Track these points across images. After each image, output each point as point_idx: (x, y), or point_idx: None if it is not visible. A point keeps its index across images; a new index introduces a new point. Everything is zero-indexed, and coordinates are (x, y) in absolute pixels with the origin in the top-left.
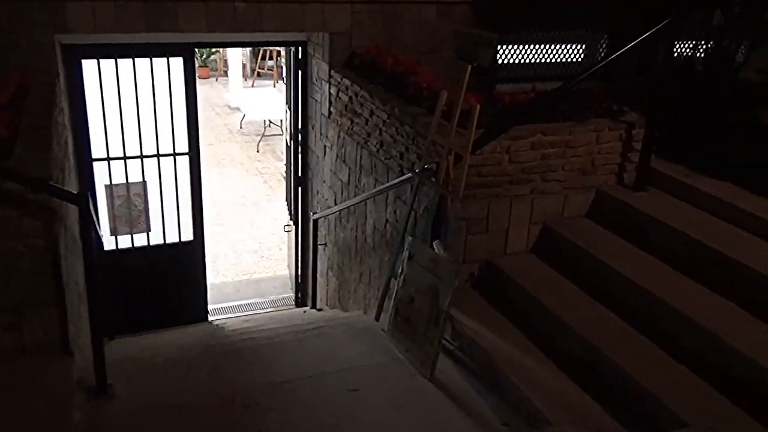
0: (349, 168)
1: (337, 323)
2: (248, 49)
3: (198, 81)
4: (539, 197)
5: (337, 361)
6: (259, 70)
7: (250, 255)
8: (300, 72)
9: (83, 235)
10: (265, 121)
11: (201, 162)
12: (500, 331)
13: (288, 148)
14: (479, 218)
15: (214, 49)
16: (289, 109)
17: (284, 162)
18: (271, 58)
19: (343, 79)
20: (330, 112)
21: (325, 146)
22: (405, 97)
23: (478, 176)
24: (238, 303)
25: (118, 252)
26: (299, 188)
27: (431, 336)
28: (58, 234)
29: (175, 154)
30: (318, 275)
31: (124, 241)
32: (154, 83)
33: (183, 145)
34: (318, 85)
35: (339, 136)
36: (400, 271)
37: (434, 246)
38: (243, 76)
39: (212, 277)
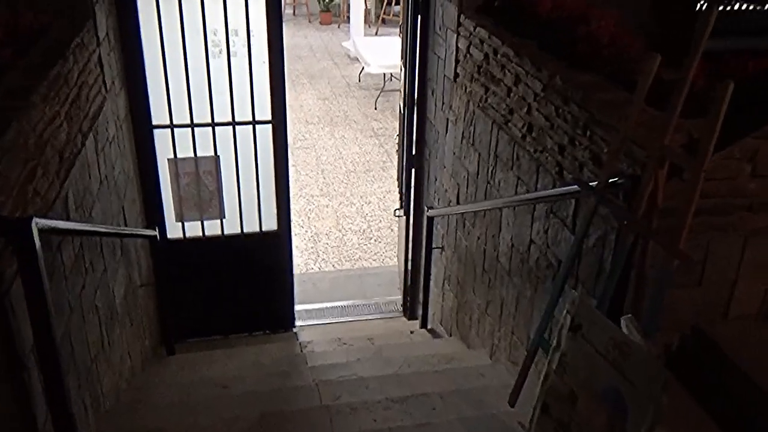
0: (480, 155)
1: (453, 400)
2: None
3: (318, 27)
4: None
5: None
6: (384, 16)
7: (356, 236)
8: (419, 17)
9: (26, 290)
10: (385, 74)
11: (288, 132)
12: None
13: (401, 116)
14: (689, 262)
15: None
16: (405, 66)
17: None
18: (398, 3)
19: (478, 29)
20: (456, 75)
21: (447, 120)
22: (570, 58)
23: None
24: (335, 305)
25: (184, 242)
26: (412, 170)
27: None
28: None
29: (254, 122)
30: (431, 283)
31: (193, 229)
32: (228, 28)
33: (265, 111)
34: (442, 36)
35: (467, 109)
36: (554, 341)
37: (623, 322)
38: (366, 22)
39: (311, 263)
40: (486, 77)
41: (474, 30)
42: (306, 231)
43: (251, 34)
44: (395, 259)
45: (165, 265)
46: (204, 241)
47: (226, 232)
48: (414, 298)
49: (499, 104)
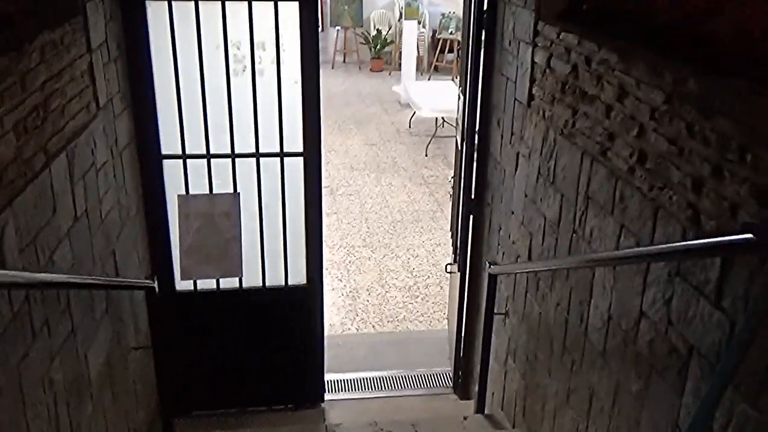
0: (563, 196)
1: None
2: (426, 40)
3: (369, 74)
4: None
5: None
6: (437, 64)
7: (400, 293)
8: (483, 31)
9: None
10: (437, 119)
11: (322, 166)
12: None
13: (458, 153)
14: None
15: (389, 39)
16: (463, 93)
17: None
18: (451, 51)
19: (563, 35)
20: (531, 97)
21: (518, 155)
22: (701, 61)
23: None
24: (373, 375)
25: (195, 295)
26: (470, 217)
27: None
28: None
29: (283, 154)
30: (491, 358)
31: (205, 280)
32: (253, 42)
33: (296, 141)
34: (512, 52)
35: (546, 139)
36: None
37: None
38: (419, 70)
39: (348, 323)
40: (573, 96)
41: (557, 37)
42: (345, 285)
43: (281, 47)
44: (444, 322)
45: (168, 322)
46: (218, 295)
47: (245, 285)
48: (467, 372)
49: (593, 128)
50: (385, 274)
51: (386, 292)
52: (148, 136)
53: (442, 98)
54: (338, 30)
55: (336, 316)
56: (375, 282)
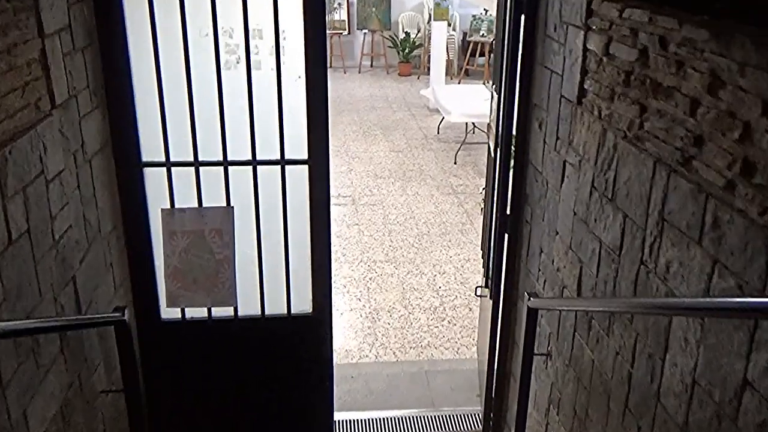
0: (626, 217)
1: None
2: (456, 43)
3: (396, 78)
4: None
5: None
6: (468, 67)
7: (425, 315)
8: (522, 16)
9: None
10: (467, 124)
11: (330, 176)
12: None
13: (491, 161)
14: None
15: (417, 42)
16: (498, 91)
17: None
18: (482, 54)
19: (627, 12)
20: (583, 92)
21: (565, 163)
22: None
23: None
24: (392, 415)
25: (183, 325)
26: (505, 236)
27: None
28: None
29: (284, 162)
30: (529, 405)
31: (196, 308)
32: (248, 28)
33: (300, 147)
34: (558, 39)
35: (602, 144)
36: None
37: None
38: (448, 74)
39: (366, 348)
40: (642, 88)
41: (619, 16)
42: (364, 306)
43: (282, 36)
44: (473, 349)
45: (152, 357)
46: (210, 325)
47: (241, 314)
48: (500, 415)
49: (671, 130)
50: (409, 294)
51: (409, 313)
52: (125, 141)
53: (472, 103)
54: (365, 33)
55: (353, 341)
56: (397, 302)
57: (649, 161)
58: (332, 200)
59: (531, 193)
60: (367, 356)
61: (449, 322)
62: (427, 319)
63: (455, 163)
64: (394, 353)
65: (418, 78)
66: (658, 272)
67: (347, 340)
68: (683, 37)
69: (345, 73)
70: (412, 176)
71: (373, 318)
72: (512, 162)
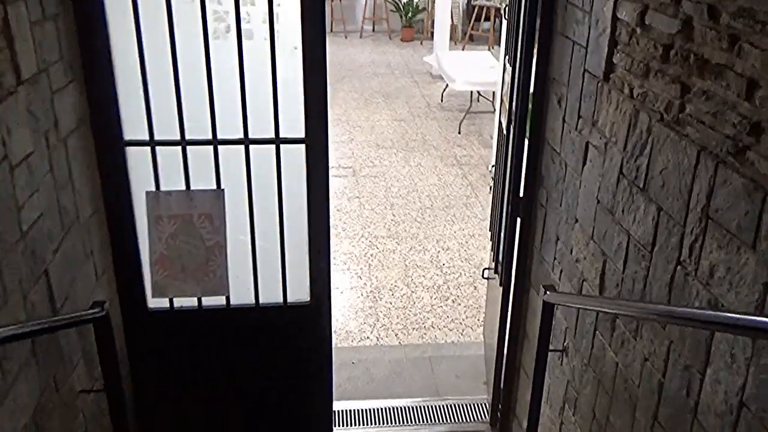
0: (660, 210)
1: None
2: (461, 7)
3: (399, 44)
4: None
5: None
6: (473, 32)
7: (428, 294)
8: None
9: None
10: (472, 93)
11: (329, 156)
12: None
13: (501, 137)
14: None
15: (421, 6)
16: (511, 62)
17: (493, 159)
18: (488, 19)
19: None
20: (611, 67)
21: (587, 145)
22: None
23: None
24: (394, 405)
25: (171, 315)
26: (517, 221)
27: None
28: None
29: (279, 141)
30: (543, 401)
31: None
32: None
33: (296, 124)
34: (582, 6)
35: (634, 126)
36: None
37: None
38: (452, 39)
39: (367, 330)
40: (685, 65)
41: None
42: (365, 284)
43: (276, 1)
44: (478, 331)
45: (139, 349)
46: (201, 315)
47: (233, 303)
48: (509, 406)
49: (721, 115)
50: (412, 271)
51: (412, 292)
52: (105, 117)
53: (477, 70)
54: None
55: (354, 322)
56: (399, 280)
57: (692, 149)
58: (332, 171)
59: (547, 175)
60: (368, 338)
61: (453, 302)
62: (431, 298)
63: (459, 132)
64: (396, 335)
65: (421, 43)
66: (699, 276)
67: (347, 321)
68: (739, 7)
69: (346, 37)
70: (414, 146)
71: (375, 297)
72: (526, 140)
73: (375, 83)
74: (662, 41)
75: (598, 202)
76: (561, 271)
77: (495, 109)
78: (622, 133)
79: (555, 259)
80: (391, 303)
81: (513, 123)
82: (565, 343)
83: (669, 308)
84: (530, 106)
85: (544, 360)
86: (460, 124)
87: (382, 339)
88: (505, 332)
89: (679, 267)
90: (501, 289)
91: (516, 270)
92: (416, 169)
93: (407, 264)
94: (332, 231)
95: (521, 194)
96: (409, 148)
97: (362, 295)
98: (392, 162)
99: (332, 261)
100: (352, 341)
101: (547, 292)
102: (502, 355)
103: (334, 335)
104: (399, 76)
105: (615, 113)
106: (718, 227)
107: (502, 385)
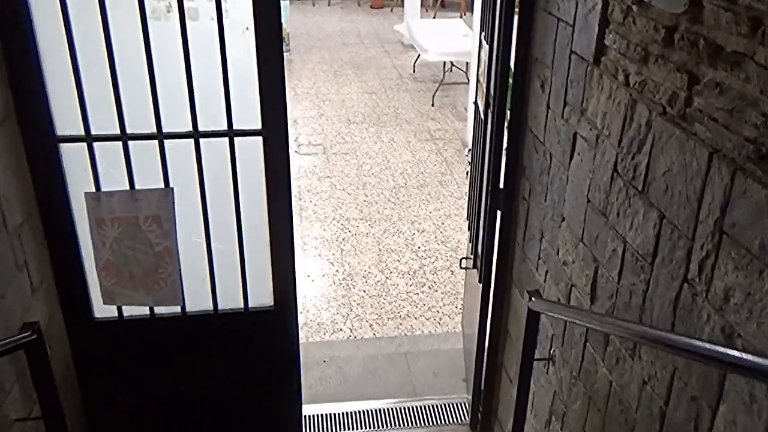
0: (663, 217)
1: None
2: None
3: (369, 11)
4: None
5: None
6: None
7: (403, 280)
8: None
9: None
10: (445, 63)
11: (289, 150)
12: None
13: (479, 121)
14: None
15: None
16: (487, 39)
17: (469, 142)
18: None
19: None
20: (602, 50)
21: (575, 135)
22: None
23: None
24: (367, 407)
25: (120, 324)
26: (496, 213)
27: None
28: None
29: (232, 133)
30: (528, 410)
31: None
32: None
33: (251, 114)
34: None
35: (630, 118)
36: None
37: None
38: (423, 6)
39: (340, 321)
40: (692, 51)
41: None
42: (337, 270)
43: None
44: (456, 319)
45: (86, 363)
46: (153, 324)
47: (189, 310)
48: (489, 408)
49: (739, 112)
50: (386, 256)
51: (386, 278)
52: (32, 111)
53: (449, 39)
54: None
55: (326, 312)
56: (373, 266)
57: (702, 151)
58: (302, 149)
59: (530, 165)
60: (341, 330)
61: (430, 288)
62: (406, 284)
63: (432, 105)
64: (370, 326)
65: (392, 10)
66: (710, 299)
67: (319, 312)
68: None
69: (314, 5)
70: (387, 120)
71: (347, 285)
72: (506, 126)
73: (344, 54)
74: (664, 22)
75: (589, 201)
76: (546, 273)
77: (468, 80)
78: (617, 126)
79: (539, 258)
80: (364, 291)
81: (491, 107)
82: (552, 351)
83: (673, 337)
84: (510, 89)
85: (529, 369)
86: (433, 96)
87: (355, 330)
88: (485, 331)
89: (686, 285)
90: (481, 287)
91: (497, 266)
92: (389, 144)
93: (381, 248)
94: (303, 214)
95: (501, 185)
96: (381, 123)
97: (334, 282)
98: (364, 138)
99: (303, 246)
100: (324, 334)
101: (533, 299)
102: (482, 354)
103: (305, 328)
104: (369, 46)
105: (607, 102)
106: (735, 245)
107: (482, 386)
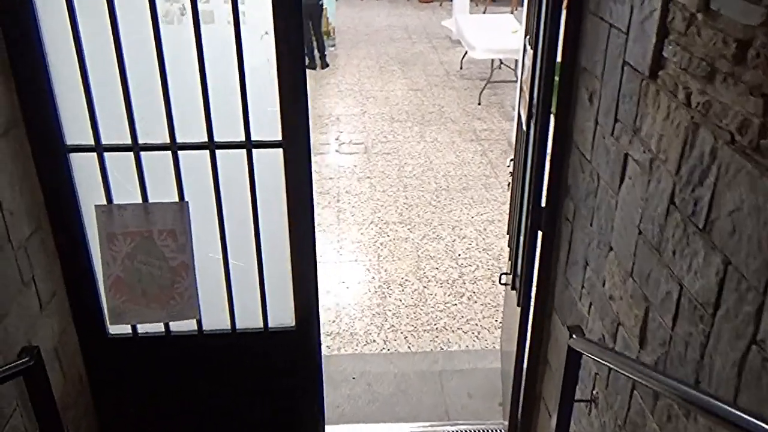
0: (729, 263)
1: None
2: None
3: (417, 5)
4: None
5: None
6: None
7: (442, 290)
8: None
9: None
10: (493, 61)
11: (311, 162)
12: None
13: (520, 134)
14: None
15: None
16: (530, 43)
17: (514, 140)
18: None
19: None
20: (660, 62)
21: (627, 157)
22: None
23: None
24: (396, 430)
25: (135, 342)
26: (536, 232)
27: None
28: None
29: (250, 144)
30: None
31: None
32: None
33: (271, 125)
34: None
35: (691, 143)
36: None
37: None
38: (473, 1)
39: (373, 332)
40: None
41: None
42: (374, 278)
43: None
44: (495, 333)
45: (100, 382)
46: (169, 342)
47: (206, 329)
48: None
49: None
50: (424, 263)
51: (424, 287)
52: (41, 119)
53: (498, 36)
54: None
55: (360, 322)
56: (411, 273)
57: None
58: (343, 148)
59: (574, 185)
60: (374, 341)
61: (469, 299)
62: (444, 294)
63: (479, 103)
64: (405, 338)
65: (441, 4)
66: None
67: (353, 321)
68: None
69: None
70: (431, 119)
71: (383, 293)
72: (550, 140)
73: (391, 49)
74: (736, 35)
75: (640, 233)
76: (590, 305)
77: (517, 79)
78: (675, 152)
79: (583, 287)
80: (401, 300)
81: (534, 118)
82: (594, 393)
83: (736, 413)
84: (555, 100)
85: (568, 410)
86: (480, 95)
87: (389, 342)
88: (523, 356)
89: (754, 347)
90: (520, 311)
91: (536, 290)
92: (432, 145)
93: (420, 254)
94: (340, 216)
95: (543, 203)
96: (425, 121)
97: (370, 290)
98: (407, 137)
99: (339, 251)
100: (356, 345)
101: (574, 336)
102: (519, 383)
103: (337, 338)
104: (416, 41)
105: (664, 123)
106: None
107: (519, 416)
